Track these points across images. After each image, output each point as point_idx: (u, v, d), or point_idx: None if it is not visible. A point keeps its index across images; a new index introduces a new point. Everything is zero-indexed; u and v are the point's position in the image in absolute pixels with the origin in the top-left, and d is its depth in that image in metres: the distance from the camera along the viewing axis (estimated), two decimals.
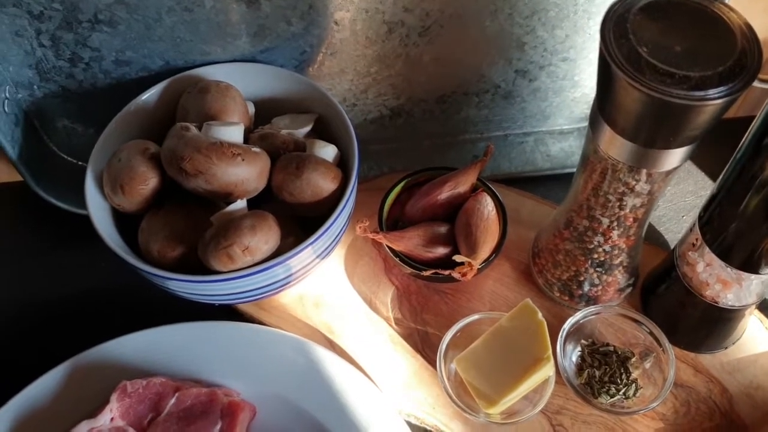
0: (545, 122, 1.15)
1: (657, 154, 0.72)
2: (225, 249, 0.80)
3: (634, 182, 0.77)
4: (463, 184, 0.97)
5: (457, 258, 0.89)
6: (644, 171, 0.75)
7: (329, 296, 0.99)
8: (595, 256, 0.89)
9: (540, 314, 0.87)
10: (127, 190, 0.85)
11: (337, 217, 0.85)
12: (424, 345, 0.96)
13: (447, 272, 0.90)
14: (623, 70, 0.64)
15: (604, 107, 0.73)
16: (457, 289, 1.00)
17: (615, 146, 0.74)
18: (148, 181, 0.85)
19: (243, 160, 0.83)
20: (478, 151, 1.15)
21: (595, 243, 0.87)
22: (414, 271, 0.93)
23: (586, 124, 1.12)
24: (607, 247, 0.87)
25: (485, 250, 0.92)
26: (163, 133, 0.86)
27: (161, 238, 0.85)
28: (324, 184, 0.87)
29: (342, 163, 0.92)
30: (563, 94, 1.09)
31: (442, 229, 0.95)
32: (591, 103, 1.06)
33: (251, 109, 0.97)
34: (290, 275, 0.87)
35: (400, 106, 1.08)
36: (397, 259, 0.94)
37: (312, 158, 0.88)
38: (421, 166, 1.02)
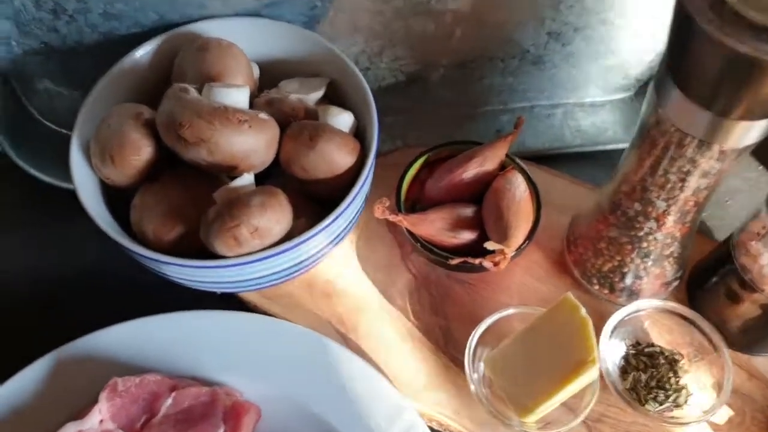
0: (575, 93, 1.10)
1: (734, 127, 0.65)
2: (231, 230, 0.74)
3: (702, 160, 0.70)
4: (490, 160, 0.91)
5: (489, 245, 0.83)
6: (716, 147, 0.68)
7: (340, 285, 0.94)
8: (644, 244, 0.83)
9: (584, 310, 0.80)
10: (118, 161, 0.79)
11: (356, 194, 0.79)
12: (446, 341, 0.90)
13: (477, 261, 0.83)
14: (705, 20, 0.57)
15: (675, 67, 0.66)
16: (482, 280, 0.94)
17: (685, 115, 0.67)
18: (141, 151, 0.79)
19: (250, 127, 0.77)
20: (500, 125, 1.10)
21: (646, 230, 0.81)
22: (439, 258, 0.86)
23: (620, 95, 1.09)
24: (659, 235, 0.81)
25: (518, 236, 0.85)
26: (158, 96, 0.80)
27: (157, 216, 0.79)
28: (340, 157, 0.81)
29: (357, 134, 0.86)
30: (598, 61, 1.04)
31: (468, 211, 0.89)
32: (627, 72, 1.02)
33: (256, 70, 0.91)
34: (302, 261, 0.81)
35: (418, 71, 1.03)
36: (418, 245, 0.87)
37: (327, 127, 0.81)
38: (437, 140, 0.96)
